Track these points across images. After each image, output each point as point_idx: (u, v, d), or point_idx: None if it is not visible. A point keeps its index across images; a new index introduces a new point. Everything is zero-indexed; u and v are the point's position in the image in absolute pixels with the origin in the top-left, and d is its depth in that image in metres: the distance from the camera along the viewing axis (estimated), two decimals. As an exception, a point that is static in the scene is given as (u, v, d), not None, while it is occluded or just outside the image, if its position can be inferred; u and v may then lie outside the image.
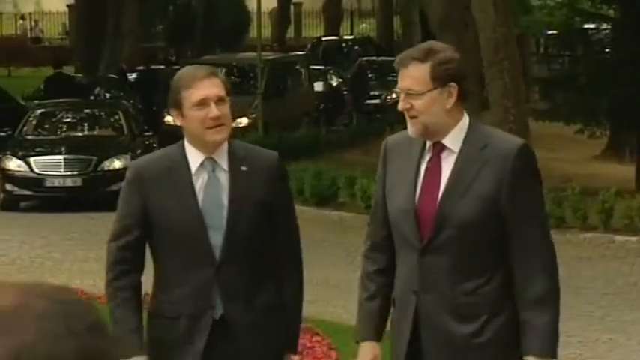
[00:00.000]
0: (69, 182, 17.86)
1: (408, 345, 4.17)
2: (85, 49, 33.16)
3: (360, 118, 29.03)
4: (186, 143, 4.44)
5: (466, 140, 4.17)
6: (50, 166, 18.01)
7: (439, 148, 4.20)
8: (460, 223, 4.11)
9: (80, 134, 19.55)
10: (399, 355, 4.23)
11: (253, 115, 22.46)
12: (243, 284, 4.29)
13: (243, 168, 4.36)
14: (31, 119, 19.72)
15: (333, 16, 44.86)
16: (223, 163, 4.39)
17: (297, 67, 26.49)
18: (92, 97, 25.21)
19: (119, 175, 18.29)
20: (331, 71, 30.30)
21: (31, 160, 17.99)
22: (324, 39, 40.67)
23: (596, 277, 12.82)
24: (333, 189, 17.22)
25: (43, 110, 20.26)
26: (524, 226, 4.15)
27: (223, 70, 26.30)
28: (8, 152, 18.32)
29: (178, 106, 4.40)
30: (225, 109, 4.38)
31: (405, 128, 4.22)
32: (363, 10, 57.09)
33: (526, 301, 4.14)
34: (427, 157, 4.20)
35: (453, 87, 4.13)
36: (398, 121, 25.05)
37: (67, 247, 14.53)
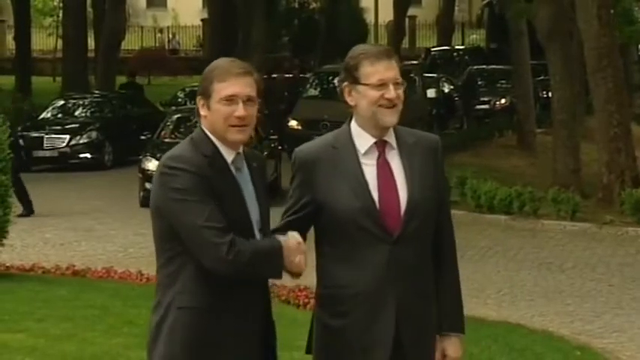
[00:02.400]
0: (202, 181, 18.04)
1: (394, 332, 4.08)
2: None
3: (471, 123, 28.83)
4: (212, 136, 4.06)
5: (398, 136, 4.22)
6: (185, 166, 18.24)
7: (383, 145, 4.19)
8: (425, 212, 4.15)
9: (212, 137, 19.70)
10: (378, 343, 4.09)
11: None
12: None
13: (254, 164, 4.19)
14: (168, 124, 20.02)
15: (445, 27, 44.61)
16: (243, 158, 4.13)
17: (412, 75, 26.39)
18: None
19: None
20: (443, 79, 30.15)
21: (168, 161, 18.24)
22: (434, 49, 40.50)
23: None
24: (445, 188, 17.16)
25: (178, 115, 20.55)
26: (447, 210, 4.33)
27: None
28: (148, 154, 18.61)
29: (207, 96, 4.05)
30: (253, 110, 4.06)
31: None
32: (474, 21, 56.66)
33: (450, 284, 4.27)
34: (373, 156, 4.17)
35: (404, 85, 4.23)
36: (507, 125, 24.76)
37: (200, 240, 14.71)
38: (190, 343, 4.00)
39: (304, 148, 4.24)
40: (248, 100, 4.05)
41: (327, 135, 4.31)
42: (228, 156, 4.07)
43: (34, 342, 8.37)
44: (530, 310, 10.85)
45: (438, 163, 4.26)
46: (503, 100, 29.90)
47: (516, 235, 15.56)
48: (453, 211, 4.60)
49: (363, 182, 4.12)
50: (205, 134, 4.08)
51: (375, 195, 4.12)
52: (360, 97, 4.16)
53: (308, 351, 4.30)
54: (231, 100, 4.03)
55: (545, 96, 27.88)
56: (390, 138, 4.20)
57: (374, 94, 4.13)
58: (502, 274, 12.65)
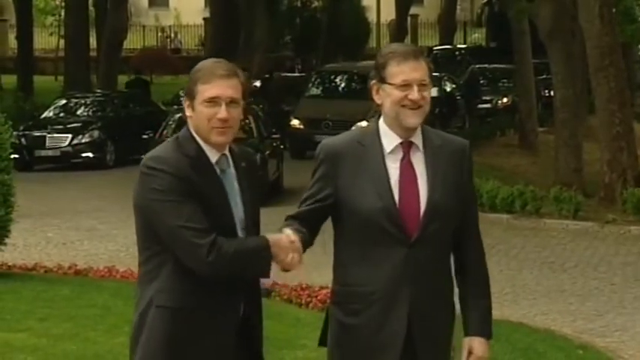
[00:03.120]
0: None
1: (405, 332, 4.08)
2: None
3: (473, 122, 28.83)
4: (197, 137, 4.05)
5: (424, 138, 4.21)
6: (187, 165, 18.22)
7: (408, 146, 4.18)
8: (446, 215, 4.13)
9: (214, 136, 19.69)
10: (390, 342, 4.09)
11: (372, 119, 22.47)
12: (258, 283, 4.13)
13: (243, 164, 4.12)
14: (170, 123, 20.00)
15: (447, 26, 44.62)
16: (230, 159, 4.10)
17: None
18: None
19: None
20: (445, 78, 30.16)
21: (170, 160, 18.20)
22: (436, 48, 40.50)
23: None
24: (446, 187, 17.16)
25: (180, 115, 20.51)
26: (474, 214, 4.30)
27: (345, 77, 26.58)
28: (149, 153, 18.60)
29: (192, 97, 4.04)
30: (236, 112, 4.05)
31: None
32: (476, 20, 56.65)
33: (478, 287, 4.24)
34: (398, 156, 4.16)
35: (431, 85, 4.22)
36: (509, 124, 24.70)
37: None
38: (168, 342, 4.00)
39: (330, 142, 4.24)
40: (231, 102, 4.03)
41: (354, 131, 4.30)
42: (213, 156, 4.06)
43: (36, 341, 8.37)
44: (532, 309, 10.84)
45: (465, 167, 4.23)
46: (505, 99, 29.91)
47: (518, 234, 15.56)
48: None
49: (386, 183, 4.12)
50: (191, 134, 4.08)
51: (396, 196, 4.11)
52: (386, 96, 4.16)
53: (321, 343, 4.29)
54: (213, 101, 4.01)
55: (547, 95, 27.88)
56: (417, 139, 4.18)
57: (397, 94, 4.12)
58: (504, 273, 12.65)
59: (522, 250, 14.31)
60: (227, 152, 4.10)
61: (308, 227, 4.18)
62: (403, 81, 4.11)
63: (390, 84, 4.14)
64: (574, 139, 19.18)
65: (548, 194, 16.75)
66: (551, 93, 22.21)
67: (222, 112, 4.01)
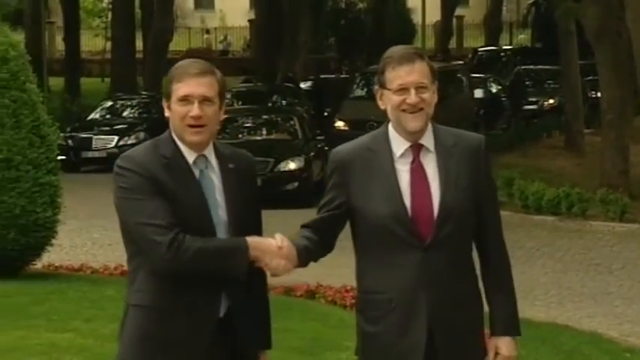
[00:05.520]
0: (249, 182, 18.07)
1: (426, 338, 4.05)
2: (263, 61, 33.60)
3: (518, 123, 28.68)
4: (175, 138, 4.08)
5: (437, 139, 4.17)
6: (231, 167, 18.28)
7: (418, 149, 4.14)
8: (459, 217, 4.08)
9: (259, 138, 19.80)
10: (411, 350, 4.06)
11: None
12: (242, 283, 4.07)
13: (231, 166, 4.09)
14: (215, 124, 20.05)
15: (493, 27, 44.43)
16: (212, 160, 4.08)
17: (459, 75, 26.33)
18: (270, 104, 25.57)
19: (294, 175, 18.50)
20: (491, 79, 30.02)
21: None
22: (481, 49, 40.33)
23: None
24: (492, 189, 17.08)
25: (225, 116, 20.58)
26: (493, 210, 4.23)
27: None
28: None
29: (168, 97, 4.07)
30: (210, 110, 4.03)
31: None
32: (522, 21, 56.38)
33: (500, 285, 4.19)
34: (408, 160, 4.12)
35: (436, 85, 4.17)
36: (554, 126, 24.54)
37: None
38: (139, 341, 4.03)
39: (341, 150, 4.22)
40: (204, 100, 4.02)
41: (364, 136, 4.27)
42: (190, 157, 4.06)
43: (82, 342, 8.43)
44: (578, 311, 10.77)
45: (481, 164, 4.18)
46: (551, 101, 29.72)
47: (564, 236, 15.46)
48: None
49: (396, 188, 4.09)
50: (170, 135, 4.10)
51: (408, 201, 4.08)
52: (387, 101, 4.16)
53: (356, 352, 4.28)
54: (186, 100, 4.02)
55: (593, 96, 27.67)
56: (427, 141, 4.15)
57: (396, 99, 4.10)
58: (550, 276, 12.57)
59: (568, 252, 14.22)
60: (207, 153, 4.08)
61: (321, 236, 4.17)
62: (399, 85, 4.08)
63: (388, 89, 4.12)
64: (621, 140, 19.02)
65: (594, 196, 16.63)
66: (598, 94, 22.04)
67: (194, 109, 4.01)
